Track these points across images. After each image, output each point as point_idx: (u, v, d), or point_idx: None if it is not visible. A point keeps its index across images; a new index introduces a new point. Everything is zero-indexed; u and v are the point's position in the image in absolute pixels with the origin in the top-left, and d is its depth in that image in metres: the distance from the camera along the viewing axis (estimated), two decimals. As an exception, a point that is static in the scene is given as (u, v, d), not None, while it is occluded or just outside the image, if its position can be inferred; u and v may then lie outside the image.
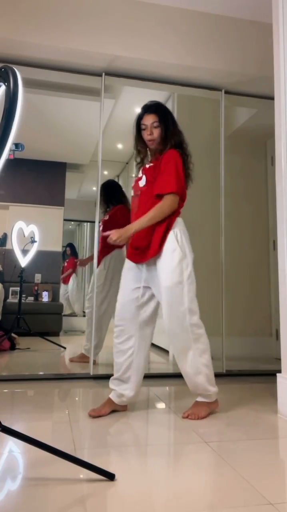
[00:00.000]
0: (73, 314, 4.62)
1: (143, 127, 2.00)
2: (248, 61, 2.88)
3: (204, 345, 1.88)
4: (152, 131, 1.97)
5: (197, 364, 1.86)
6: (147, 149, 2.06)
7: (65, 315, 4.51)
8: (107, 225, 2.85)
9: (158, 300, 1.93)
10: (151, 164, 1.98)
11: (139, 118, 2.02)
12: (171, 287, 1.83)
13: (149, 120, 1.97)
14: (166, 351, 3.21)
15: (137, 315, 1.93)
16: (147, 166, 2.00)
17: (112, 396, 1.92)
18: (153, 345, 3.63)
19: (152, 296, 1.96)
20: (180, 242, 1.89)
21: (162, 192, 1.88)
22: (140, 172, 2.02)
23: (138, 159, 2.09)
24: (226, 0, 2.74)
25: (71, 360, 3.09)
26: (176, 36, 2.78)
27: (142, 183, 1.97)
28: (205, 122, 3.23)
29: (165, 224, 1.88)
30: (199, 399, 1.93)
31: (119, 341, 1.94)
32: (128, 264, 2.00)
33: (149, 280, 1.94)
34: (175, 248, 1.86)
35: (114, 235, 1.83)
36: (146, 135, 1.99)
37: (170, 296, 1.84)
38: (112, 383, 1.95)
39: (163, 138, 1.97)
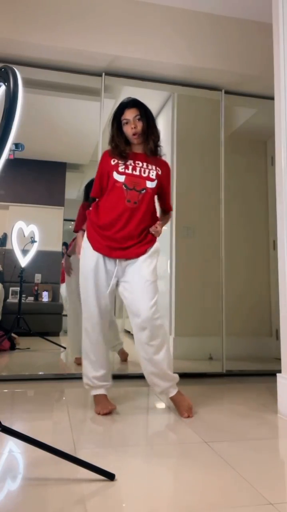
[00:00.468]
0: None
1: (124, 121, 1.99)
2: (248, 61, 2.88)
3: (166, 336, 1.94)
4: (136, 124, 1.97)
5: (167, 355, 1.91)
6: (126, 144, 2.02)
7: (64, 315, 4.51)
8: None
9: (123, 292, 1.96)
10: (160, 171, 2.00)
11: (119, 114, 2.01)
12: (153, 281, 1.91)
13: (131, 114, 1.97)
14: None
15: (111, 308, 2.01)
16: (159, 172, 2.00)
17: (104, 391, 1.97)
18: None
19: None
20: (159, 247, 2.02)
21: (171, 210, 2.16)
22: (152, 173, 1.97)
23: (116, 152, 2.01)
24: (226, 0, 2.74)
25: (77, 362, 3.06)
26: (176, 36, 2.78)
27: (152, 184, 1.96)
28: (205, 122, 3.23)
29: None
30: (172, 392, 1.93)
31: (95, 338, 1.94)
32: (99, 259, 1.93)
33: (121, 274, 1.95)
34: (157, 249, 2.00)
35: (160, 229, 1.97)
36: (130, 129, 1.97)
37: (148, 289, 1.88)
38: (100, 380, 1.95)
39: (145, 132, 1.98)
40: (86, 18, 2.66)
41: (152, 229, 1.93)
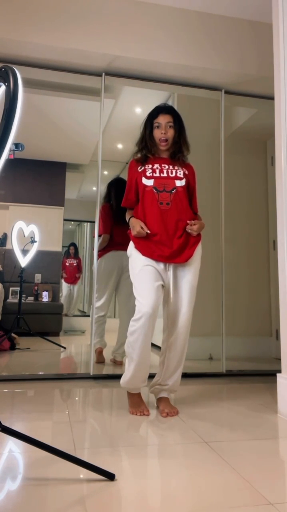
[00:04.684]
0: (68, 314, 4.64)
1: (156, 125, 2.02)
2: (248, 61, 2.88)
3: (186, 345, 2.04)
4: (167, 131, 2.00)
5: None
6: (154, 148, 2.04)
7: (65, 315, 4.52)
8: None
9: (169, 293, 1.98)
10: (187, 172, 2.03)
11: (152, 117, 2.04)
12: (195, 287, 1.98)
13: (164, 119, 2.01)
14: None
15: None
16: (186, 172, 2.02)
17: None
18: (152, 344, 3.63)
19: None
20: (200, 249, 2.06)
21: (197, 211, 2.10)
22: (179, 172, 1.99)
23: (140, 155, 2.05)
24: (226, 1, 2.74)
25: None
26: (176, 36, 2.78)
27: (181, 182, 1.98)
28: (205, 122, 3.23)
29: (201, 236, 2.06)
30: (165, 394, 2.00)
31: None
32: (150, 261, 1.94)
33: (171, 276, 1.96)
34: (200, 254, 2.02)
35: (196, 227, 1.95)
36: (159, 134, 2.01)
37: (193, 294, 1.97)
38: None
39: (174, 140, 2.02)
40: (86, 18, 2.66)
41: (188, 228, 1.94)
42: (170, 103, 3.16)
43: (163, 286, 1.94)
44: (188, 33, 2.81)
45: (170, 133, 2.01)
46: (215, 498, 1.16)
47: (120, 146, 3.95)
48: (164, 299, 1.98)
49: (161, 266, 1.94)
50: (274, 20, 2.24)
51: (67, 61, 2.74)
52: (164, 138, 2.00)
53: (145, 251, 1.94)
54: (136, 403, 1.95)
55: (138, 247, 1.96)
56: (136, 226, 1.94)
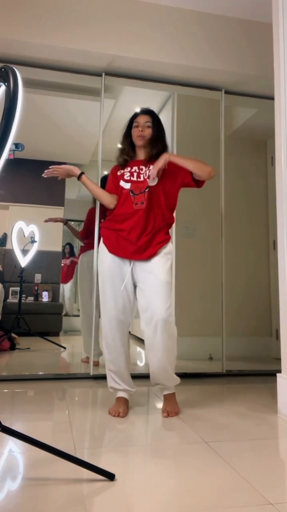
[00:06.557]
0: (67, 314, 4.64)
1: (135, 124, 2.08)
2: (248, 61, 2.88)
3: (174, 340, 1.96)
4: (144, 129, 2.06)
5: (173, 358, 1.96)
6: (131, 149, 2.10)
7: (65, 315, 4.52)
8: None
9: (137, 292, 1.97)
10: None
11: (133, 118, 2.11)
12: (167, 282, 1.91)
13: (143, 119, 2.07)
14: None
15: (130, 313, 1.99)
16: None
17: (124, 395, 1.97)
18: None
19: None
20: (171, 248, 2.03)
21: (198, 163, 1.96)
22: (152, 172, 1.97)
23: (121, 159, 2.12)
24: (226, 0, 2.74)
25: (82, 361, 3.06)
26: (177, 36, 2.78)
27: (154, 182, 1.98)
28: (205, 122, 3.23)
29: (169, 231, 2.03)
30: (166, 392, 1.98)
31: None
32: (114, 260, 1.97)
33: (136, 275, 1.96)
34: (171, 250, 2.00)
35: (157, 168, 1.91)
36: (137, 132, 2.06)
37: (163, 289, 1.90)
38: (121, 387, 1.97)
39: (153, 140, 2.05)
40: (86, 18, 2.66)
41: (151, 176, 1.94)
42: (170, 103, 3.17)
43: (130, 283, 1.96)
44: (188, 33, 2.81)
45: (147, 132, 2.05)
46: (215, 498, 1.16)
47: (120, 146, 3.95)
48: (135, 296, 1.98)
49: (125, 262, 1.97)
50: (274, 20, 2.24)
51: (67, 61, 2.74)
52: (141, 135, 2.04)
53: (111, 247, 1.98)
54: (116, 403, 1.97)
55: (105, 242, 2.02)
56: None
